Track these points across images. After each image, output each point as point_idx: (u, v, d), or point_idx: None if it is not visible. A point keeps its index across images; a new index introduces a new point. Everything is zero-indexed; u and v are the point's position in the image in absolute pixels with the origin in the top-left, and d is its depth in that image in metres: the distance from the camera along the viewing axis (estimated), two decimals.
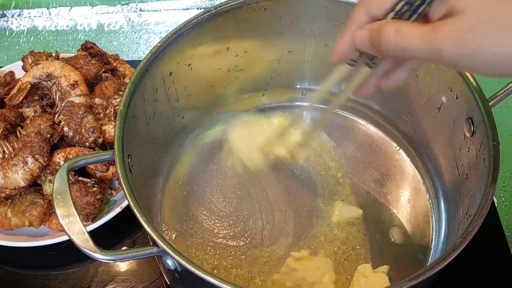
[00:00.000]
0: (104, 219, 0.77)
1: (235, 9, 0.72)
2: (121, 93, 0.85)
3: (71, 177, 0.76)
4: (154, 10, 1.19)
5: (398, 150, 0.82)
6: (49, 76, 0.82)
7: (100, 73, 0.88)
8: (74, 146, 0.81)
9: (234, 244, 0.71)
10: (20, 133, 0.79)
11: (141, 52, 1.13)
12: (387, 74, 0.53)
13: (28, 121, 0.79)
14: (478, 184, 0.59)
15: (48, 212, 0.77)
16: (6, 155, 0.78)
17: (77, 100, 0.81)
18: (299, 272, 0.66)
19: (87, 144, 0.80)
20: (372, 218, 0.74)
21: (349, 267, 0.69)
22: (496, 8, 0.40)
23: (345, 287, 0.67)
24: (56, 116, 0.81)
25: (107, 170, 0.80)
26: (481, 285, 0.75)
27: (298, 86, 0.87)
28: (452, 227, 0.69)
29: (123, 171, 0.57)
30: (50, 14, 1.20)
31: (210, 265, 0.69)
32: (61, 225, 0.54)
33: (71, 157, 0.79)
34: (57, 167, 0.79)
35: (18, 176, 0.76)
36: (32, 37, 1.17)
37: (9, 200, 0.78)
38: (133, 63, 0.94)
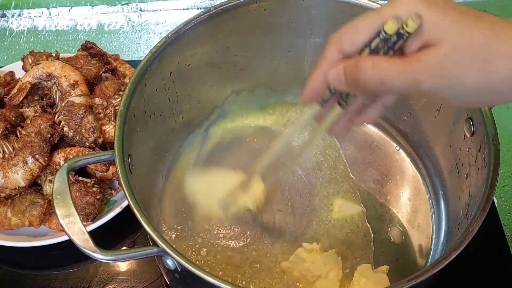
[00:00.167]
0: (104, 219, 0.77)
1: (235, 9, 0.72)
2: (121, 93, 0.85)
3: (71, 177, 0.76)
4: (154, 10, 1.19)
5: (398, 150, 0.82)
6: (49, 76, 0.82)
7: (100, 73, 0.88)
8: (74, 146, 0.81)
9: (234, 244, 0.71)
10: (20, 133, 0.79)
11: (141, 52, 1.13)
12: (359, 112, 0.52)
13: (28, 121, 0.79)
14: (478, 184, 0.59)
15: (48, 212, 0.77)
16: (6, 155, 0.78)
17: (77, 100, 0.81)
18: (307, 263, 0.67)
19: (87, 144, 0.80)
20: (372, 218, 0.74)
21: (349, 267, 0.68)
22: (471, 35, 0.39)
23: (345, 287, 0.67)
24: (56, 116, 0.81)
25: (107, 170, 0.80)
26: (481, 285, 0.75)
27: (298, 86, 0.87)
28: (452, 227, 0.69)
29: (123, 171, 0.57)
30: (50, 14, 1.20)
31: (210, 265, 0.69)
32: (61, 225, 0.54)
33: (71, 157, 0.79)
34: (57, 167, 0.79)
35: (18, 176, 0.76)
36: (32, 37, 1.17)
37: (9, 200, 0.78)
38: (133, 63, 0.94)
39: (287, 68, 0.83)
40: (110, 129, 0.83)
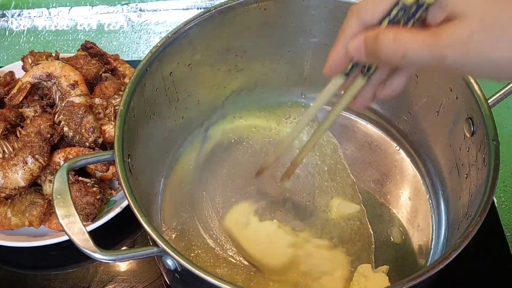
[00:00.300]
0: (104, 219, 0.77)
1: (235, 9, 0.72)
2: (121, 93, 0.85)
3: (71, 177, 0.76)
4: (154, 10, 1.19)
5: (398, 150, 0.82)
6: (49, 76, 0.82)
7: (100, 73, 0.88)
8: (74, 146, 0.81)
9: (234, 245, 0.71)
10: (20, 133, 0.79)
11: (141, 52, 1.13)
12: (384, 82, 0.51)
13: (28, 121, 0.79)
14: (478, 184, 0.59)
15: (48, 212, 0.77)
16: (6, 155, 0.78)
17: (77, 100, 0.81)
18: (315, 259, 0.67)
19: (87, 144, 0.80)
20: (372, 218, 0.74)
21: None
22: (498, 10, 0.39)
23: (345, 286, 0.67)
24: (56, 116, 0.81)
25: (107, 170, 0.80)
26: (481, 285, 0.75)
27: (298, 86, 0.87)
28: (452, 227, 0.69)
29: (123, 171, 0.57)
30: (50, 14, 1.20)
31: (210, 265, 0.69)
32: (61, 225, 0.54)
33: (71, 157, 0.79)
34: (57, 167, 0.79)
35: (18, 176, 0.76)
36: (32, 37, 1.17)
37: (9, 200, 0.78)
38: (133, 63, 0.94)
39: (287, 68, 0.83)
40: (110, 129, 0.83)
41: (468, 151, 0.65)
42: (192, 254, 0.70)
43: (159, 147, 0.77)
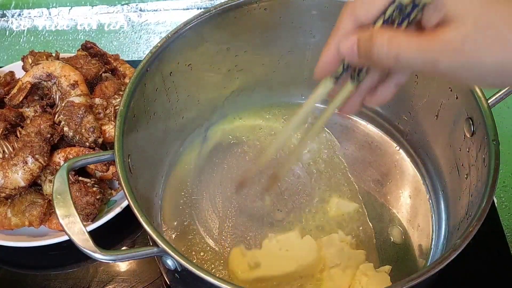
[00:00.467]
0: (104, 219, 0.77)
1: (235, 9, 0.72)
2: (121, 93, 0.85)
3: (71, 177, 0.76)
4: (154, 10, 1.19)
5: (398, 150, 0.82)
6: (49, 76, 0.82)
7: (100, 73, 0.88)
8: (74, 146, 0.81)
9: (234, 245, 0.71)
10: (20, 133, 0.79)
11: (141, 52, 1.13)
12: (372, 90, 0.51)
13: (28, 121, 0.79)
14: (478, 184, 0.59)
15: (48, 212, 0.77)
16: (6, 155, 0.78)
17: (77, 100, 0.81)
18: (334, 249, 0.67)
19: (87, 144, 0.80)
20: (372, 218, 0.74)
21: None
22: (495, 12, 0.38)
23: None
24: (56, 116, 0.81)
25: (107, 170, 0.80)
26: (481, 285, 0.75)
27: (297, 86, 0.87)
28: (452, 227, 0.69)
29: (123, 171, 0.57)
30: (50, 14, 1.20)
31: (210, 265, 0.69)
32: (61, 225, 0.54)
33: (71, 157, 0.79)
34: (57, 167, 0.79)
35: (18, 176, 0.76)
36: (32, 37, 1.17)
37: (9, 200, 0.78)
38: (133, 63, 0.94)
39: (287, 68, 0.83)
40: (110, 129, 0.83)
41: (468, 151, 0.65)
42: (192, 254, 0.70)
43: (159, 147, 0.77)
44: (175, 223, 0.74)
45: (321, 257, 0.67)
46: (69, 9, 1.20)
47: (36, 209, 0.76)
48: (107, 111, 0.85)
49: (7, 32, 1.18)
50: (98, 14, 1.19)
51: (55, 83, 0.82)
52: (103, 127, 0.82)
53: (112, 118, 0.84)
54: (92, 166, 0.80)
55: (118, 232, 0.80)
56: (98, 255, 0.52)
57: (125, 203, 0.78)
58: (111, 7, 1.20)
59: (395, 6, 0.42)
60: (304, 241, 0.68)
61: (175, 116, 0.78)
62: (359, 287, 0.65)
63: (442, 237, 0.72)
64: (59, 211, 0.54)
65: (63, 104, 0.81)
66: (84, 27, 1.18)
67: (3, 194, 0.77)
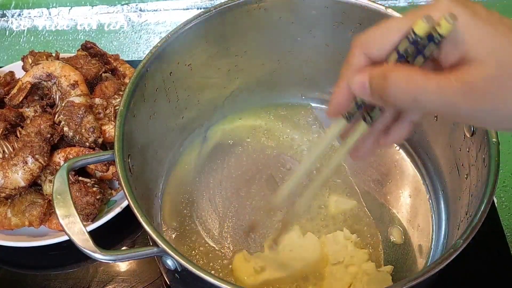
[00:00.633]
0: (104, 219, 0.77)
1: (235, 9, 0.72)
2: (121, 93, 0.85)
3: (71, 177, 0.76)
4: (154, 10, 1.19)
5: (398, 150, 0.82)
6: (49, 76, 0.82)
7: (100, 73, 0.88)
8: (74, 146, 0.81)
9: (235, 245, 0.71)
10: (20, 133, 0.79)
11: (141, 52, 1.13)
12: (386, 130, 0.46)
13: (28, 121, 0.79)
14: (478, 184, 0.59)
15: (48, 212, 0.77)
16: (6, 155, 0.78)
17: (77, 100, 0.81)
18: (338, 247, 0.68)
19: (87, 144, 0.80)
20: (372, 218, 0.74)
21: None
22: None
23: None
24: (56, 116, 0.81)
25: (107, 170, 0.80)
26: (481, 285, 0.75)
27: (298, 86, 0.87)
28: (452, 227, 0.69)
29: (123, 171, 0.57)
30: (50, 14, 1.20)
31: (210, 265, 0.69)
32: (61, 225, 0.54)
33: (71, 157, 0.79)
34: (57, 167, 0.79)
35: (18, 176, 0.76)
36: (32, 37, 1.17)
37: (9, 200, 0.78)
38: (133, 63, 0.94)
39: (287, 68, 0.83)
40: (110, 129, 0.83)
41: (468, 151, 0.65)
42: (192, 254, 0.70)
43: (159, 147, 0.77)
44: (175, 223, 0.74)
45: (325, 253, 0.67)
46: (69, 9, 1.20)
47: (36, 209, 0.76)
48: (107, 111, 0.85)
49: (7, 32, 1.18)
50: (98, 14, 1.19)
51: (55, 83, 0.82)
52: (103, 127, 0.82)
53: (112, 118, 0.84)
54: (92, 166, 0.80)
55: (118, 232, 0.80)
56: (98, 255, 0.52)
57: (125, 203, 0.78)
58: (111, 7, 1.20)
59: (410, 39, 0.38)
60: (307, 239, 0.68)
61: (175, 116, 0.78)
62: (360, 285, 0.65)
63: (442, 237, 0.72)
64: (59, 211, 0.54)
65: (63, 104, 0.81)
66: (84, 27, 1.18)
67: (3, 194, 0.77)
